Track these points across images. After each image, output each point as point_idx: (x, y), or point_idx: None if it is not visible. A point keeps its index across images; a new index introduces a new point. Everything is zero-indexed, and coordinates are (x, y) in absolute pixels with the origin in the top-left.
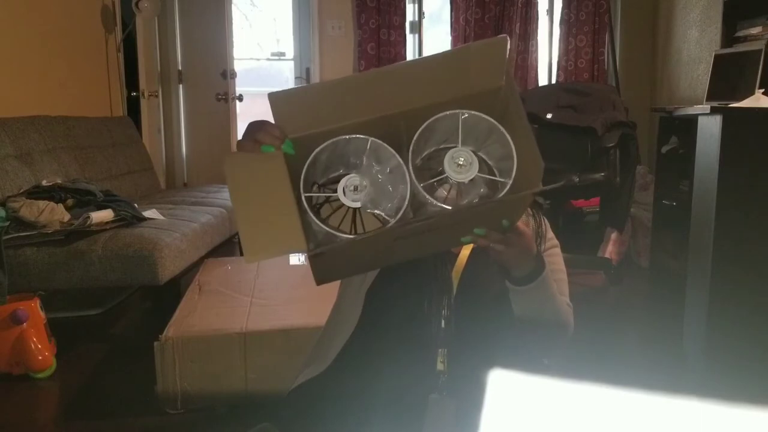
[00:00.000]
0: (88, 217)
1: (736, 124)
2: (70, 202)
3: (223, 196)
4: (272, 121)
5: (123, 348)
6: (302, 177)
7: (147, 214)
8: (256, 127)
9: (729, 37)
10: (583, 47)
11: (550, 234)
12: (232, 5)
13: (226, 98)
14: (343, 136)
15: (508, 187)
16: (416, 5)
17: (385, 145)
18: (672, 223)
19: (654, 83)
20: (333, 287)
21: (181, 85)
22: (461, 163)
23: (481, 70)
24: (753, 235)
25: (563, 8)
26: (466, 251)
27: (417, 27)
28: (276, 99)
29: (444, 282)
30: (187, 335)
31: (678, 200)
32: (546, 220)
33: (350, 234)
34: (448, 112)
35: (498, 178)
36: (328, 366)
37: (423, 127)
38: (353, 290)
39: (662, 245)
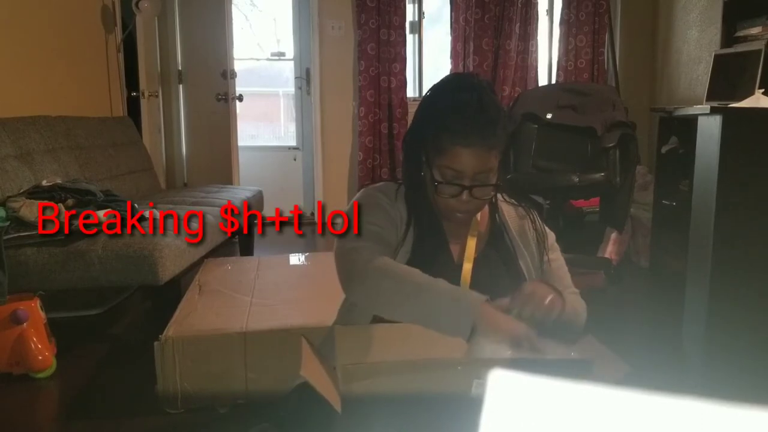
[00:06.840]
0: None
1: (736, 124)
2: (70, 202)
3: (223, 196)
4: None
5: (123, 348)
6: None
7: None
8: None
9: (729, 37)
10: (583, 47)
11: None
12: (232, 5)
13: (226, 98)
14: None
15: None
16: (416, 5)
17: None
18: (672, 223)
19: (654, 83)
20: (334, 288)
21: (181, 85)
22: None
23: None
24: (753, 234)
25: (563, 8)
26: (468, 264)
27: (417, 27)
28: None
29: None
30: (187, 335)
31: (678, 200)
32: (537, 215)
33: None
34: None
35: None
36: None
37: None
38: None
39: (662, 245)
